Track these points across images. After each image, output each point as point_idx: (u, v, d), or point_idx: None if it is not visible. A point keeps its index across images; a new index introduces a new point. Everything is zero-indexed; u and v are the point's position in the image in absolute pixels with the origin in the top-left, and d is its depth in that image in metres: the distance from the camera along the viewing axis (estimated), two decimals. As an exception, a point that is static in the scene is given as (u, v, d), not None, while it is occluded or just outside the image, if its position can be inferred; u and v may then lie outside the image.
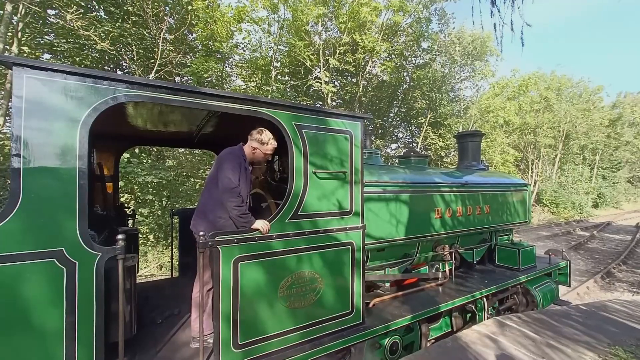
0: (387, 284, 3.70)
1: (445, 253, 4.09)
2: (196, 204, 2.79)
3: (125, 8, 8.77)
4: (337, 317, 2.62)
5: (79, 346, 1.68)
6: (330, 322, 2.58)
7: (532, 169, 24.64)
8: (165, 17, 9.28)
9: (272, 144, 2.60)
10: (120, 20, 8.85)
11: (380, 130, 16.72)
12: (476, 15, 3.18)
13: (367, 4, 10.67)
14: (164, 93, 1.93)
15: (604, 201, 30.04)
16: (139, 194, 8.63)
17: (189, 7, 9.27)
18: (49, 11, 8.56)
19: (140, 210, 8.39)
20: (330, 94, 12.14)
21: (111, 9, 8.98)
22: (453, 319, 3.94)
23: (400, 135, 19.91)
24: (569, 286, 5.48)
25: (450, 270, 4.14)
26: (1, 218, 1.55)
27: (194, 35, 10.69)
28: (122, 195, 8.99)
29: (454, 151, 17.49)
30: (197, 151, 11.33)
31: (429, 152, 16.83)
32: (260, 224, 2.25)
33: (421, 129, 16.52)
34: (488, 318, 3.95)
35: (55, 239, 1.65)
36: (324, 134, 2.58)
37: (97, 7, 9.36)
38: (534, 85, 19.53)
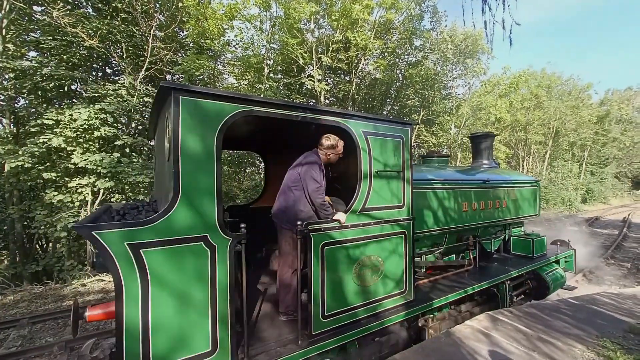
0: (424, 270, 4.12)
1: (470, 243, 4.56)
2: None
3: (113, 5, 8.60)
4: (394, 295, 3.07)
5: (218, 311, 2.07)
6: (390, 299, 3.02)
7: (522, 165, 25.00)
8: (155, 14, 9.12)
9: (341, 142, 2.97)
10: (108, 17, 8.68)
11: (373, 128, 16.73)
12: (467, 13, 3.19)
13: (359, 1, 10.65)
14: (273, 108, 2.32)
15: (592, 196, 30.60)
16: (130, 194, 8.50)
17: (180, 4, 9.14)
18: (34, 8, 8.35)
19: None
20: (323, 92, 12.11)
21: (99, 5, 8.80)
22: (476, 301, 4.34)
23: (394, 133, 19.95)
24: (574, 273, 6.11)
25: (474, 258, 4.57)
26: (169, 209, 1.92)
27: (185, 32, 10.56)
28: (113, 195, 8.86)
29: (446, 148, 17.63)
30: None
31: (421, 149, 16.92)
32: (340, 216, 2.63)
33: (414, 126, 16.60)
34: (510, 300, 4.51)
35: (202, 227, 2.02)
36: (383, 139, 2.99)
37: (84, 3, 9.17)
38: (525, 83, 19.75)
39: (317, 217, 2.79)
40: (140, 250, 1.83)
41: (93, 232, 1.71)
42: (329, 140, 2.92)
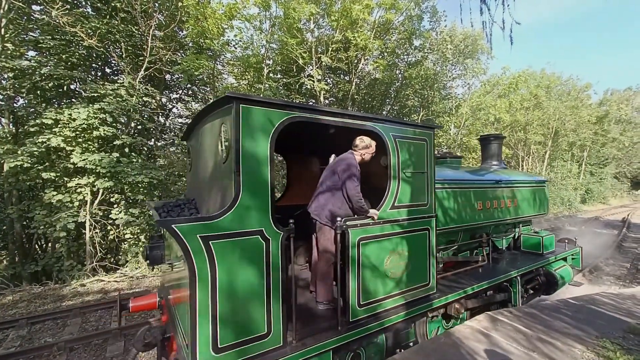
0: (441, 265, 4.26)
1: (484, 240, 4.77)
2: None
3: (113, 4, 8.59)
4: (419, 287, 3.30)
5: (272, 298, 2.31)
6: (415, 290, 3.26)
7: (522, 165, 24.99)
8: (155, 14, 9.11)
9: (374, 142, 3.15)
10: (108, 17, 8.67)
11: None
12: (466, 13, 3.19)
13: (359, 1, 10.63)
14: (317, 114, 2.56)
15: (591, 197, 30.60)
16: (130, 194, 8.49)
17: (179, 4, 9.12)
18: (33, 7, 8.33)
19: (130, 210, 8.25)
20: (322, 92, 12.09)
21: (98, 5, 8.78)
22: (491, 294, 4.49)
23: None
24: (580, 269, 6.48)
25: (487, 254, 4.77)
26: (231, 207, 2.14)
27: (184, 32, 10.53)
28: (112, 195, 8.84)
29: (445, 148, 17.62)
30: (188, 150, 11.17)
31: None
32: (373, 213, 2.87)
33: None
34: (523, 294, 4.75)
35: (259, 222, 2.25)
36: (410, 142, 3.22)
37: (83, 3, 9.15)
38: (524, 83, 19.73)
39: (353, 213, 2.99)
40: (210, 242, 2.07)
41: (173, 226, 1.96)
42: (363, 141, 3.11)
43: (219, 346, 2.07)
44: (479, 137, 6.94)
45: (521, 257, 5.32)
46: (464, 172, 4.85)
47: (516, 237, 5.78)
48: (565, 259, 5.77)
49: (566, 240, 6.13)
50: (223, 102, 2.32)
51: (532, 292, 5.21)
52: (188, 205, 2.91)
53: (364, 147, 3.13)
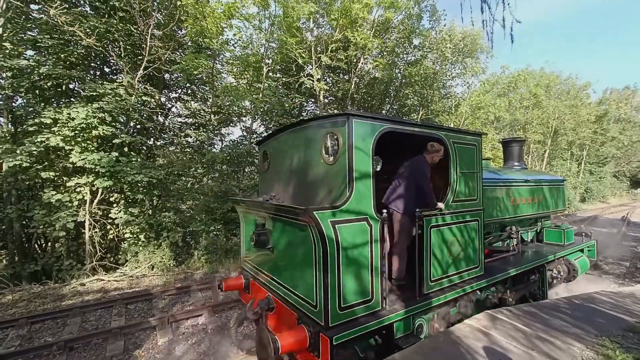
0: None
1: (513, 232, 5.29)
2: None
3: (111, 3, 8.56)
4: (472, 268, 3.85)
5: (374, 270, 2.87)
6: (468, 272, 3.80)
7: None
8: (153, 13, 9.08)
9: (442, 148, 3.70)
10: (106, 16, 8.64)
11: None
12: (466, 11, 3.17)
13: (358, 0, 10.61)
14: (402, 125, 3.16)
15: (591, 195, 30.62)
16: (129, 193, 8.48)
17: (178, 3, 9.10)
18: (32, 6, 8.30)
19: (130, 209, 8.24)
20: (322, 92, 12.08)
21: (97, 4, 8.76)
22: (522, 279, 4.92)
23: (393, 132, 19.83)
24: (595, 260, 7.08)
25: (516, 245, 5.28)
26: (347, 200, 2.68)
27: (183, 31, 10.51)
28: (111, 194, 8.84)
29: (445, 147, 17.55)
30: (188, 149, 11.20)
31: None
32: (441, 205, 3.46)
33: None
34: (550, 280, 5.40)
35: (365, 211, 2.81)
36: (464, 146, 3.77)
37: (82, 2, 9.12)
38: (524, 82, 19.71)
39: (425, 206, 3.49)
40: (336, 226, 2.60)
41: (314, 212, 2.48)
42: (433, 147, 3.71)
43: (342, 306, 2.64)
44: (499, 140, 7.43)
45: (545, 247, 5.87)
46: (496, 173, 5.34)
47: (538, 231, 6.35)
48: (582, 251, 6.32)
49: (583, 234, 6.64)
50: (334, 117, 2.91)
51: (555, 280, 5.65)
52: (275, 200, 3.52)
53: (434, 151, 3.72)
